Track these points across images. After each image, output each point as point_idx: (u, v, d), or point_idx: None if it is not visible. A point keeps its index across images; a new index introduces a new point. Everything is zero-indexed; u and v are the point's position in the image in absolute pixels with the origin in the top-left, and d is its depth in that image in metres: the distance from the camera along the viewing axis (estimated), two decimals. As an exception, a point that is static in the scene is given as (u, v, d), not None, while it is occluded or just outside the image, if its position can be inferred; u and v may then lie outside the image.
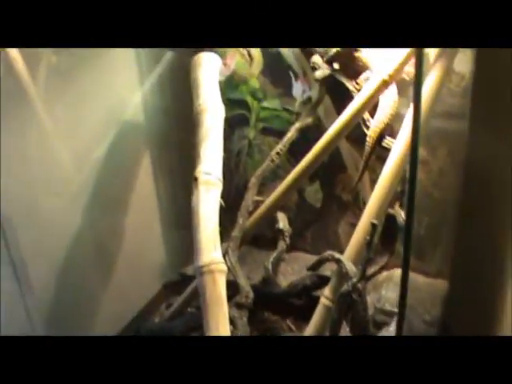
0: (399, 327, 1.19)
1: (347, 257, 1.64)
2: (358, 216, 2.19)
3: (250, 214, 2.01)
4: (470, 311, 2.20)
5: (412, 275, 2.17)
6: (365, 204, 2.13)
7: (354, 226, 2.19)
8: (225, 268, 1.72)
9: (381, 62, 1.88)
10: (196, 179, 1.81)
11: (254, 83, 2.22)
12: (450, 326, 2.19)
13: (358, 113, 1.83)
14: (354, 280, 1.53)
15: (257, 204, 2.01)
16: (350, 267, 1.58)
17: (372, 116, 1.90)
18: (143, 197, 2.32)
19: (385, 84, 1.77)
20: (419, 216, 2.06)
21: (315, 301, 1.77)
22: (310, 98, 2.13)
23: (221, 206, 1.83)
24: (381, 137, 1.86)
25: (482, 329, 2.27)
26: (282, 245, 2.14)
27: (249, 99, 2.25)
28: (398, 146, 1.74)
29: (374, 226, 1.52)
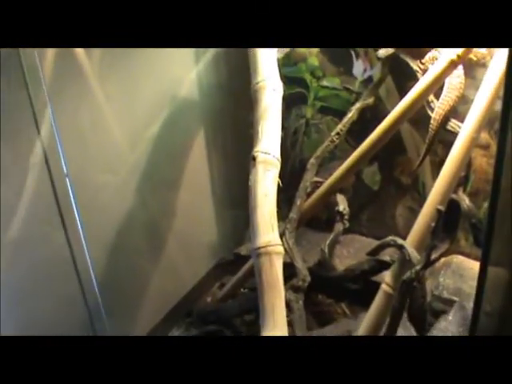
0: (473, 324, 1.13)
1: (410, 243, 1.60)
2: (416, 200, 2.18)
3: (308, 195, 1.97)
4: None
5: (469, 262, 2.15)
6: (424, 188, 2.11)
7: (412, 209, 2.20)
8: (282, 250, 1.70)
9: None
10: (254, 158, 1.79)
11: (313, 61, 2.16)
12: (509, 318, 2.13)
13: (423, 94, 1.77)
14: (418, 267, 1.48)
15: (315, 185, 1.98)
16: (414, 254, 1.53)
17: (437, 98, 1.84)
18: (197, 175, 2.29)
19: (453, 64, 1.71)
20: (480, 201, 2.00)
21: (372, 286, 1.73)
22: (371, 78, 2.07)
23: (278, 186, 1.80)
24: (446, 119, 1.81)
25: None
26: (338, 227, 2.09)
27: (307, 77, 2.20)
28: (465, 130, 1.68)
29: (439, 212, 1.46)
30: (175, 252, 2.21)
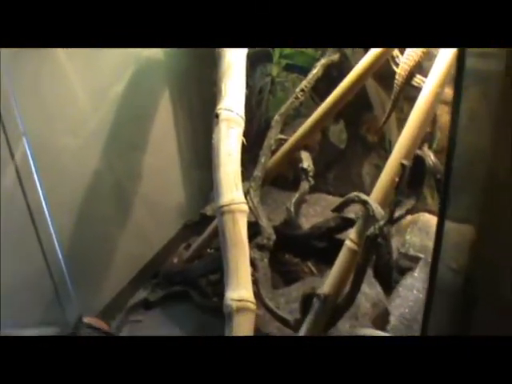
0: (432, 279, 1.12)
1: (374, 199, 1.58)
2: (383, 157, 2.16)
3: (273, 153, 1.94)
4: (497, 260, 2.14)
5: (435, 220, 2.14)
6: (391, 145, 2.09)
7: (378, 167, 2.18)
8: (246, 208, 1.69)
9: None
10: (217, 116, 1.77)
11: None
12: (476, 277, 2.14)
13: (388, 49, 1.74)
14: (381, 223, 1.47)
15: (280, 143, 1.95)
16: (378, 209, 1.51)
17: (402, 53, 1.81)
18: (162, 137, 2.25)
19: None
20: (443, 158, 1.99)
21: (338, 244, 1.72)
22: (336, 34, 2.03)
23: (242, 145, 1.78)
24: (411, 75, 1.79)
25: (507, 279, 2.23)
26: (304, 185, 2.07)
27: (272, 34, 2.15)
28: (429, 85, 1.66)
29: (403, 166, 1.45)
30: (142, 215, 2.18)
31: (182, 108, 2.30)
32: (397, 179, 1.48)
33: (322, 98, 1.95)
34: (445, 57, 1.66)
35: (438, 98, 1.65)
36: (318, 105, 1.95)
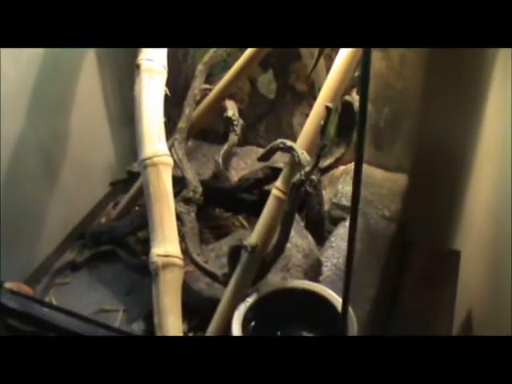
0: (352, 224, 1.09)
1: (300, 145, 1.53)
2: (312, 105, 2.10)
3: (198, 103, 1.88)
4: (428, 209, 2.15)
5: (370, 169, 2.13)
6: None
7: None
8: (170, 160, 1.64)
9: None
10: (138, 67, 1.74)
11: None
12: (407, 224, 2.14)
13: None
14: (307, 169, 1.42)
15: (204, 93, 1.89)
16: (303, 155, 1.46)
17: None
18: (88, 92, 2.15)
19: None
20: (379, 107, 1.96)
21: (268, 195, 1.67)
22: None
23: (166, 96, 1.72)
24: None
25: (438, 226, 2.24)
26: (232, 137, 2.01)
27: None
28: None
29: (328, 109, 1.39)
30: (69, 176, 2.09)
31: (108, 62, 2.20)
32: (322, 123, 1.42)
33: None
34: None
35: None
36: (242, 52, 1.88)
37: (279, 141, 1.55)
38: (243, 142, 2.15)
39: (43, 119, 1.93)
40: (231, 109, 1.96)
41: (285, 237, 1.48)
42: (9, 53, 1.72)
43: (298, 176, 1.43)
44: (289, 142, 1.51)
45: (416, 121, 2.10)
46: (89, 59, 2.12)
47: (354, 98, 1.73)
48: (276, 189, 1.52)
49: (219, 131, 2.23)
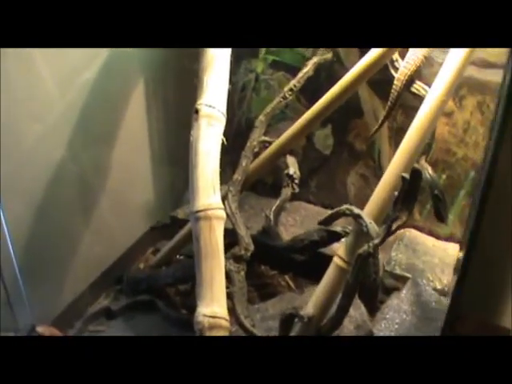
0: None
1: (367, 213, 1.44)
2: (370, 167, 2.07)
3: (255, 155, 1.81)
4: (481, 282, 2.05)
5: (421, 236, 2.04)
6: (380, 155, 1.99)
7: (365, 177, 2.08)
8: (223, 215, 1.56)
9: None
10: (197, 111, 1.63)
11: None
12: (459, 298, 2.05)
13: (387, 52, 1.62)
14: (376, 241, 1.33)
15: (263, 145, 1.82)
16: (372, 225, 1.37)
17: (402, 57, 1.70)
18: (134, 129, 2.10)
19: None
20: (439, 172, 1.89)
21: (319, 258, 1.60)
22: (330, 31, 1.90)
23: (222, 145, 1.64)
24: (410, 81, 1.67)
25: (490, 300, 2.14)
26: (286, 192, 1.93)
27: (260, 27, 2.01)
28: (434, 93, 1.54)
29: (404, 180, 1.31)
30: (107, 212, 2.02)
31: (156, 100, 2.15)
32: (395, 193, 1.34)
33: (310, 101, 1.85)
34: (451, 64, 1.54)
35: (442, 108, 1.53)
36: (304, 107, 1.86)
37: (345, 206, 1.46)
38: (292, 196, 2.06)
39: (86, 149, 1.87)
40: (292, 166, 1.88)
41: (345, 309, 1.39)
42: (59, 81, 1.69)
43: (365, 247, 1.33)
44: (356, 210, 1.43)
45: (474, 190, 2.02)
46: (138, 91, 2.07)
47: (423, 165, 1.64)
48: (338, 257, 1.43)
49: (268, 182, 2.15)
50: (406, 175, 1.34)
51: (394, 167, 1.49)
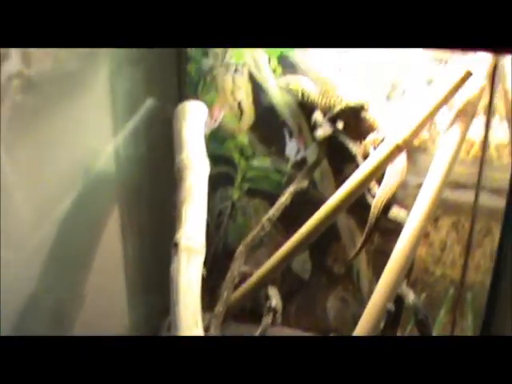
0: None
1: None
2: (349, 290, 2.05)
3: (235, 286, 1.80)
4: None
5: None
6: (359, 277, 2.00)
7: (345, 300, 2.05)
8: None
9: (391, 124, 1.71)
10: (176, 245, 1.63)
11: (243, 139, 2.01)
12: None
13: (366, 181, 1.66)
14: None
15: (244, 276, 1.81)
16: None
17: (377, 183, 1.74)
18: (109, 257, 2.08)
19: (398, 149, 1.60)
20: (418, 293, 1.89)
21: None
22: (304, 159, 1.93)
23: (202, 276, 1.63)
24: (387, 207, 1.70)
25: None
26: (267, 321, 1.90)
27: (235, 156, 2.04)
28: (414, 220, 1.55)
29: (389, 312, 1.31)
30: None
31: (131, 227, 2.13)
32: (381, 325, 1.33)
33: (286, 228, 1.90)
34: (430, 189, 1.57)
35: (423, 234, 1.55)
36: (280, 234, 1.90)
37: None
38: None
39: (60, 277, 1.83)
40: (274, 298, 1.86)
41: None
42: (35, 208, 1.67)
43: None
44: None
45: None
46: (112, 218, 2.05)
47: (404, 291, 1.65)
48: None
49: (246, 307, 2.12)
50: (391, 306, 1.34)
51: (377, 297, 1.49)
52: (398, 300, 1.64)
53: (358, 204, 1.76)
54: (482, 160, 1.76)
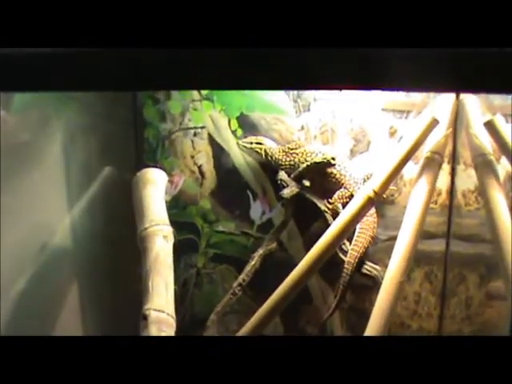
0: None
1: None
2: None
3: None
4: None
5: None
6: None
7: None
8: None
9: (356, 178, 1.69)
10: (146, 317, 1.55)
11: (205, 203, 1.95)
12: None
13: (339, 238, 1.62)
14: None
15: (217, 346, 1.73)
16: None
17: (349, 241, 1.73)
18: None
19: (370, 201, 1.57)
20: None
21: None
22: (270, 221, 1.89)
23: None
24: (361, 263, 1.67)
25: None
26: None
27: (198, 222, 1.97)
28: (392, 274, 1.52)
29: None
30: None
31: (91, 304, 2.04)
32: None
33: (255, 291, 1.86)
34: (403, 243, 1.54)
35: (402, 289, 1.52)
36: (250, 298, 1.85)
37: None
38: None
39: None
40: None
41: None
42: None
43: None
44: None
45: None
46: (71, 296, 1.98)
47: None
48: None
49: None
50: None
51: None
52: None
53: (328, 262, 1.72)
54: (451, 208, 1.75)
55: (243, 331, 1.68)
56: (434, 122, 1.54)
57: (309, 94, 1.79)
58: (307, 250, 1.68)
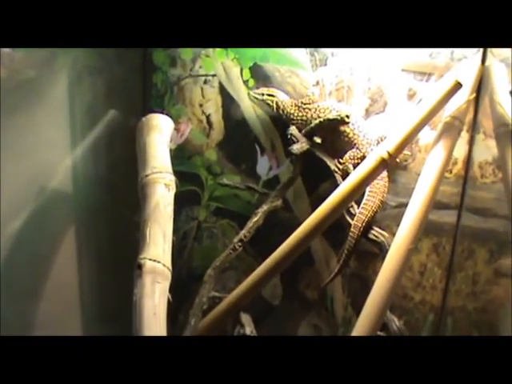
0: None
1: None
2: (323, 317, 1.95)
3: (205, 313, 1.68)
4: None
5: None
6: (333, 303, 1.91)
7: (317, 328, 1.96)
8: None
9: (370, 139, 1.62)
10: (140, 267, 1.51)
11: (211, 155, 1.90)
12: None
13: (347, 200, 1.57)
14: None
15: (213, 301, 1.69)
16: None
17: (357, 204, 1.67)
18: (63, 283, 1.94)
19: (382, 164, 1.50)
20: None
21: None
22: (277, 177, 1.83)
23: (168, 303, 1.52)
24: (368, 227, 1.61)
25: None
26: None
27: (202, 173, 1.93)
28: (399, 242, 1.46)
29: (378, 340, 1.22)
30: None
31: (88, 251, 2.01)
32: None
33: (256, 250, 1.83)
34: (415, 209, 1.48)
35: (410, 256, 1.46)
36: (251, 256, 1.82)
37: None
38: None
39: (11, 306, 1.73)
40: (248, 325, 1.74)
41: None
42: None
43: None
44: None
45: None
46: (67, 241, 1.94)
47: (389, 317, 1.58)
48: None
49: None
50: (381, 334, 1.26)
51: (363, 323, 1.40)
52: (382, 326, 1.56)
53: (334, 225, 1.67)
54: (466, 179, 1.69)
55: (240, 289, 1.64)
56: (457, 86, 1.46)
57: (326, 48, 1.72)
58: (313, 209, 1.63)
